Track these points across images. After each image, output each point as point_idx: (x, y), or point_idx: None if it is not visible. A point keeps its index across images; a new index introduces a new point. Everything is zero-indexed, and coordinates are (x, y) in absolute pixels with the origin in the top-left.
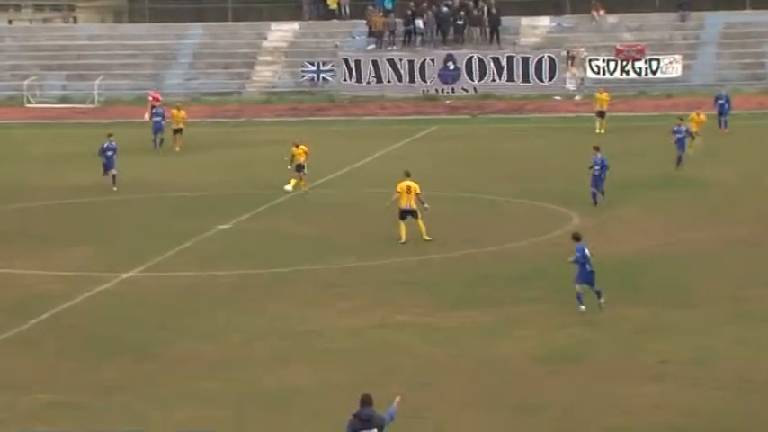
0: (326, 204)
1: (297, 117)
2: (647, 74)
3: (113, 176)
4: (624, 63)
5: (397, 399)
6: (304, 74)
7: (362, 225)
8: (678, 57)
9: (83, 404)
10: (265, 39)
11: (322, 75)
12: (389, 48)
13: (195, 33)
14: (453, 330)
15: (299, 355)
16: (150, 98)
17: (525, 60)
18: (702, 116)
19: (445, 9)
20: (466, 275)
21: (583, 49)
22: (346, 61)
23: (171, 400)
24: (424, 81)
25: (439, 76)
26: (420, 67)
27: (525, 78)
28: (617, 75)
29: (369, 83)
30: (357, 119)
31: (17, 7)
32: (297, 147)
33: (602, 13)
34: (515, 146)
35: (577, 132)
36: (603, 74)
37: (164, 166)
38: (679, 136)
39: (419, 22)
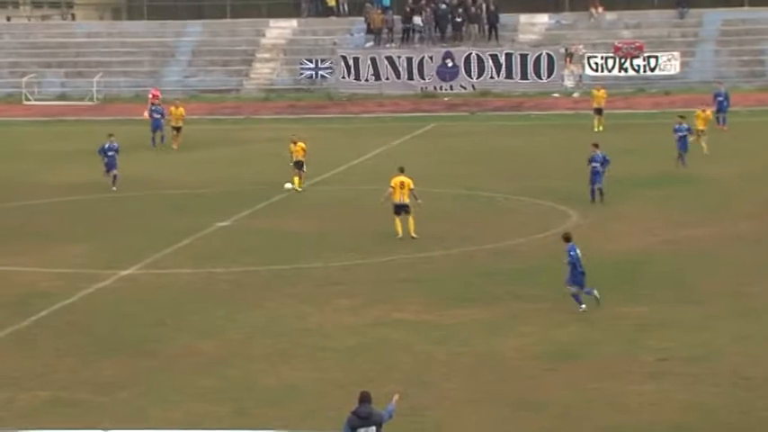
0: (325, 201)
1: (295, 114)
2: (645, 71)
3: (114, 177)
4: (622, 60)
5: (396, 396)
6: (302, 71)
7: (361, 222)
8: (676, 54)
9: (82, 401)
10: (264, 36)
11: (320, 72)
12: (388, 45)
13: (194, 31)
14: (452, 328)
15: (298, 353)
16: (150, 96)
17: (524, 57)
18: (708, 112)
19: (443, 6)
20: (465, 273)
21: (581, 47)
22: (344, 59)
23: (170, 397)
24: (423, 78)
25: (437, 73)
26: (418, 64)
27: (524, 75)
28: (615, 72)
29: (367, 80)
30: (355, 116)
31: (15, 4)
32: (295, 143)
33: (600, 10)
34: (514, 143)
35: (576, 129)
36: (602, 71)
37: (162, 164)
38: (680, 134)
39: (417, 20)
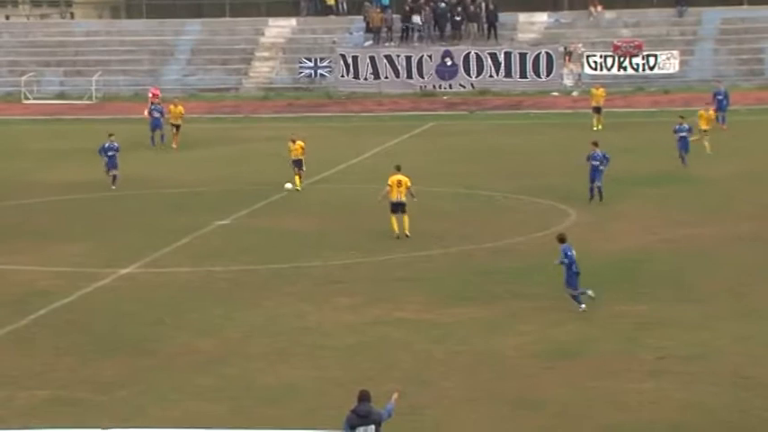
0: (324, 200)
1: (294, 113)
2: (644, 70)
3: (114, 177)
4: (621, 59)
5: (395, 395)
6: (301, 70)
7: (360, 221)
8: (676, 52)
9: (81, 400)
10: (263, 35)
11: (319, 71)
12: (387, 44)
13: (193, 29)
14: (451, 326)
15: (297, 351)
16: (150, 95)
17: (523, 56)
18: (711, 112)
19: (443, 5)
20: (464, 271)
21: (580, 45)
22: (344, 57)
23: (168, 396)
24: (422, 77)
25: (436, 72)
26: (417, 63)
27: (523, 74)
28: (614, 71)
29: (366, 79)
30: (354, 115)
31: (14, 3)
32: (293, 142)
33: (599, 8)
34: (513, 142)
35: (575, 128)
36: (601, 70)
37: (161, 162)
38: (681, 134)
39: (416, 18)
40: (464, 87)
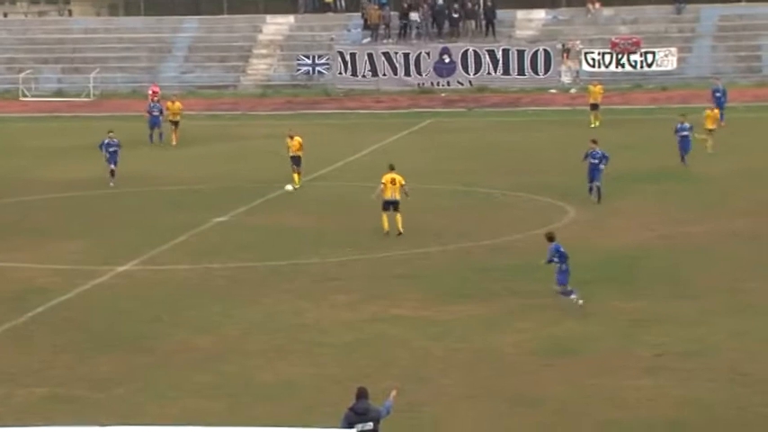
0: (322, 198)
1: (292, 110)
2: (642, 67)
3: (112, 171)
4: (620, 56)
5: (393, 392)
6: (299, 67)
7: (358, 218)
8: (674, 49)
9: (78, 397)
10: (261, 32)
11: (317, 68)
12: (385, 41)
13: (190, 26)
14: (449, 323)
15: (295, 348)
16: (150, 92)
17: (521, 53)
18: (716, 111)
19: (440, 2)
20: (462, 269)
21: (578, 42)
22: (341, 54)
23: (166, 393)
24: (420, 74)
25: (434, 69)
26: (415, 60)
27: (521, 71)
28: (612, 67)
29: (364, 76)
30: (352, 112)
31: (12, 0)
32: (291, 138)
33: (597, 5)
34: (511, 139)
35: (573, 125)
36: (599, 67)
37: (159, 160)
38: (683, 134)
39: (414, 15)
40: (462, 84)
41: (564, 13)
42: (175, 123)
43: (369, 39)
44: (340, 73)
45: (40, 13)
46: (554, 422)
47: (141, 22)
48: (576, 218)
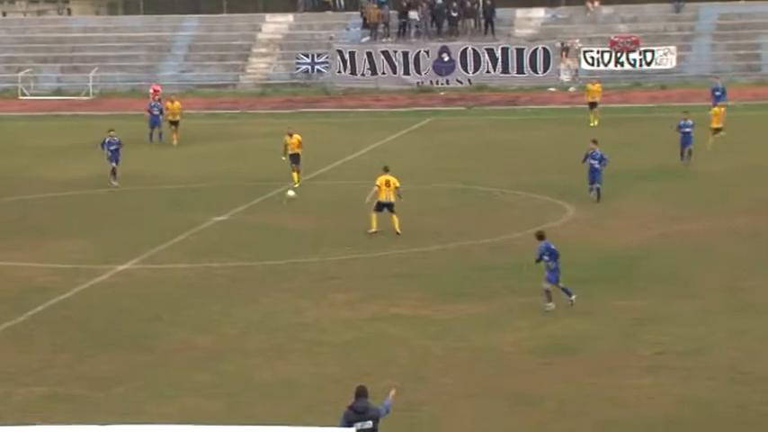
0: (321, 197)
1: (291, 109)
2: (641, 65)
3: (113, 170)
4: (619, 54)
5: (393, 391)
6: (299, 66)
7: (357, 217)
8: (673, 48)
9: (78, 396)
10: (260, 31)
11: (316, 67)
12: (384, 40)
13: (190, 25)
14: (449, 322)
15: (294, 348)
16: (151, 91)
17: (520, 52)
18: (723, 108)
19: (440, 1)
20: (461, 267)
21: (577, 41)
22: (341, 53)
23: (165, 392)
24: (419, 73)
25: (433, 67)
26: (414, 58)
27: (520, 70)
28: (611, 66)
29: (363, 75)
30: (352, 111)
31: None
32: (290, 136)
33: (596, 4)
34: (510, 137)
35: (572, 124)
36: (598, 65)
37: (159, 159)
38: (686, 130)
39: (413, 14)
40: (461, 83)
41: (563, 11)
42: (175, 123)
43: (368, 37)
44: (339, 72)
45: (39, 12)
46: (553, 421)
47: (140, 21)
48: (575, 216)
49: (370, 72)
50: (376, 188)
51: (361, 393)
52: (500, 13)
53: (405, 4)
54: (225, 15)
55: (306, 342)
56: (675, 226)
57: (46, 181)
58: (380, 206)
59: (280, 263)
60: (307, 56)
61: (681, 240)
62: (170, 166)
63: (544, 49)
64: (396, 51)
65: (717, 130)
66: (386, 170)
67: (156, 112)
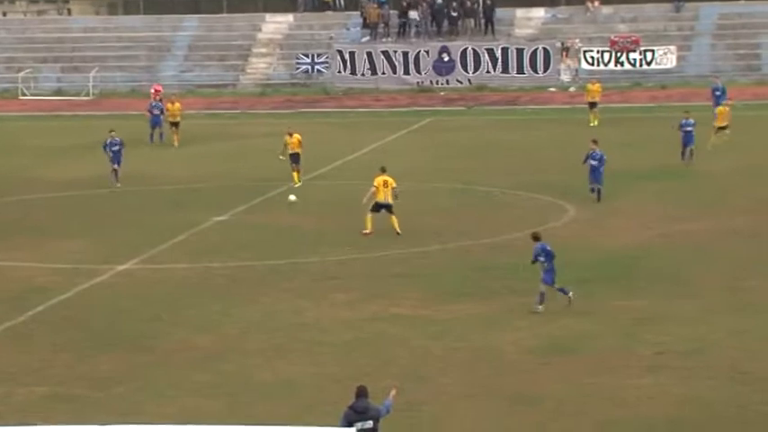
0: (322, 197)
1: (291, 109)
2: (641, 65)
3: (115, 171)
4: (619, 54)
5: (393, 391)
6: (299, 66)
7: (357, 217)
8: (673, 48)
9: (78, 396)
10: (260, 31)
11: (317, 67)
12: (384, 39)
13: (190, 25)
14: (449, 322)
15: (294, 347)
16: (152, 91)
17: (520, 52)
18: (728, 107)
19: (440, 0)
20: (461, 267)
21: (577, 41)
22: (341, 53)
23: (165, 392)
24: (419, 73)
25: (433, 67)
26: (414, 58)
27: (520, 70)
28: (611, 66)
29: (363, 75)
30: (352, 111)
31: (11, 0)
32: (290, 135)
33: (596, 4)
34: (510, 137)
35: (572, 124)
36: (598, 65)
37: (159, 159)
38: (687, 129)
39: (413, 14)
40: (461, 83)
41: (563, 11)
42: (175, 125)
43: (368, 37)
44: (339, 72)
45: (39, 12)
46: (553, 421)
47: (140, 21)
48: (575, 216)
49: (370, 72)
50: (374, 189)
51: (361, 393)
52: (500, 12)
53: (405, 3)
54: (225, 15)
55: (306, 342)
56: (676, 226)
57: (46, 181)
58: (378, 207)
59: (280, 263)
60: (307, 56)
61: (681, 240)
62: (170, 166)
63: (544, 48)
64: (396, 51)
65: (721, 129)
66: (383, 170)
67: (157, 113)
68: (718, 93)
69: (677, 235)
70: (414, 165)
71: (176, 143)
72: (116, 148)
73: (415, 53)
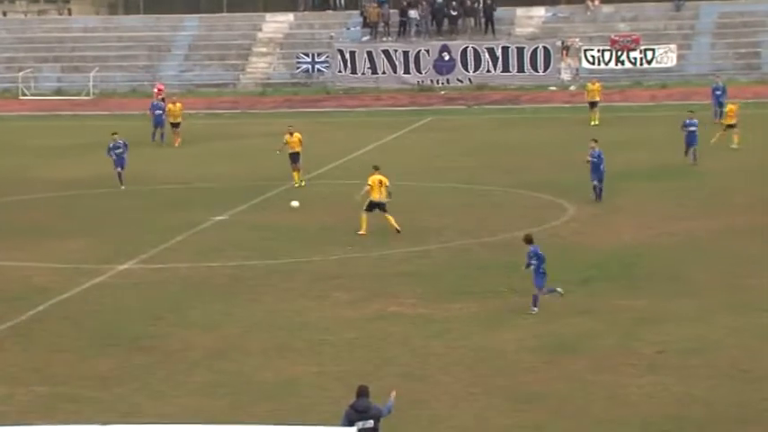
0: (322, 196)
1: (292, 108)
2: (641, 64)
3: (119, 174)
4: (619, 53)
5: (393, 393)
6: (299, 65)
7: (358, 217)
8: (673, 46)
9: (79, 396)
10: (260, 30)
11: (317, 66)
12: (384, 39)
13: (190, 25)
14: (450, 321)
15: (295, 347)
16: (155, 90)
17: (520, 51)
18: (737, 105)
19: None
20: (462, 266)
21: (578, 40)
22: (341, 52)
23: (166, 391)
24: (419, 72)
25: (434, 66)
26: (415, 57)
27: (520, 69)
28: (612, 65)
29: (364, 74)
30: (352, 110)
31: None
32: (291, 134)
33: (596, 2)
34: (511, 136)
35: (573, 123)
36: (598, 64)
37: (159, 159)
38: (691, 129)
39: (414, 13)
40: (461, 82)
41: (563, 10)
42: (176, 125)
43: (368, 37)
44: (339, 71)
45: (40, 12)
46: (554, 419)
47: (141, 21)
48: (575, 215)
49: (370, 71)
50: (368, 187)
51: (362, 393)
52: (500, 11)
53: (405, 2)
54: (225, 15)
55: (307, 341)
56: (676, 225)
57: (46, 181)
58: (372, 206)
59: (281, 262)
60: (307, 55)
61: (681, 239)
62: (170, 165)
63: (545, 47)
64: (396, 50)
65: (730, 126)
66: (376, 169)
67: (160, 112)
68: (718, 92)
69: (677, 234)
70: (414, 164)
71: (177, 144)
72: (119, 150)
73: (415, 52)
